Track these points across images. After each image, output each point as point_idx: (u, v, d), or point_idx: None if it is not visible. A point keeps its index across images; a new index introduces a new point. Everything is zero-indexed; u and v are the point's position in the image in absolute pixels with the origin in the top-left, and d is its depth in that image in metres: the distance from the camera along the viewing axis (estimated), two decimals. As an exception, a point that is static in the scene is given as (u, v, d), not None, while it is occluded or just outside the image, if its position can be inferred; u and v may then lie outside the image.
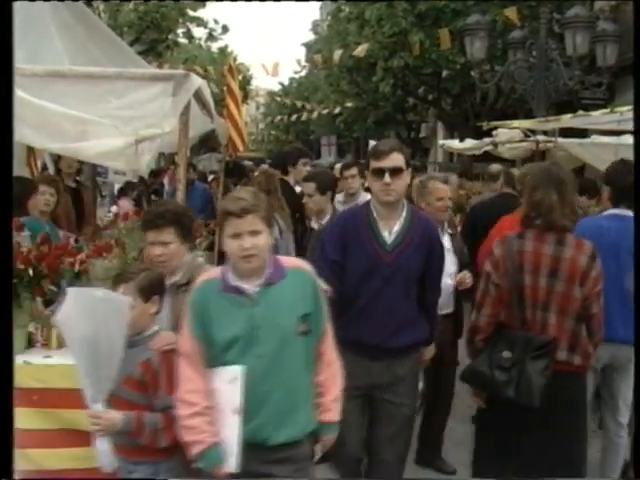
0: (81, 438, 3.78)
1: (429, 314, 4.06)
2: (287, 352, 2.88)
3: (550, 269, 3.58)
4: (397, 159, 3.75)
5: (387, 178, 3.70)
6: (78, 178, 7.52)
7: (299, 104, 28.16)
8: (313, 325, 2.96)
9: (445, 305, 4.93)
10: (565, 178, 3.73)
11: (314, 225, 5.93)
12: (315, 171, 6.76)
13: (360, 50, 15.54)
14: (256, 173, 6.44)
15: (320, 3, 40.65)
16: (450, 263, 4.79)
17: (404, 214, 3.86)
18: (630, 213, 4.28)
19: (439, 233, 4.07)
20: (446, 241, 4.89)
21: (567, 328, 3.58)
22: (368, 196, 5.95)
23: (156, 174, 14.00)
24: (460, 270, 5.11)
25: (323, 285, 3.18)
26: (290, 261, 3.15)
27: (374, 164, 3.80)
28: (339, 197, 7.03)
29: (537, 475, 3.52)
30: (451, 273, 4.93)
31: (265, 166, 10.65)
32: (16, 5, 4.76)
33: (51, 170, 7.33)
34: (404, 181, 3.79)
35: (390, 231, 3.84)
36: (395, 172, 3.72)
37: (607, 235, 4.27)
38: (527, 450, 3.63)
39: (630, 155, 4.58)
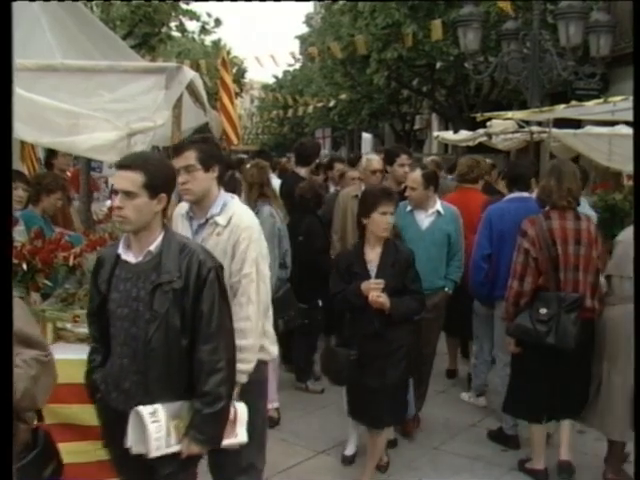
0: (78, 432, 3.80)
1: None
2: None
3: (575, 239, 4.71)
4: None
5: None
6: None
7: (292, 99, 28.17)
8: None
9: None
10: (564, 169, 4.84)
11: None
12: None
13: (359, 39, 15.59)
14: (247, 166, 6.41)
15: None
16: None
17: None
18: (526, 194, 5.54)
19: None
20: None
21: (590, 282, 4.75)
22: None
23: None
24: None
25: None
26: None
27: None
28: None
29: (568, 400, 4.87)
30: None
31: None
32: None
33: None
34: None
35: None
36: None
37: (509, 213, 5.39)
38: (559, 381, 4.81)
39: (623, 144, 4.87)
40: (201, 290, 2.96)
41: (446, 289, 5.70)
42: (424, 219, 5.63)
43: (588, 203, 6.76)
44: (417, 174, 5.57)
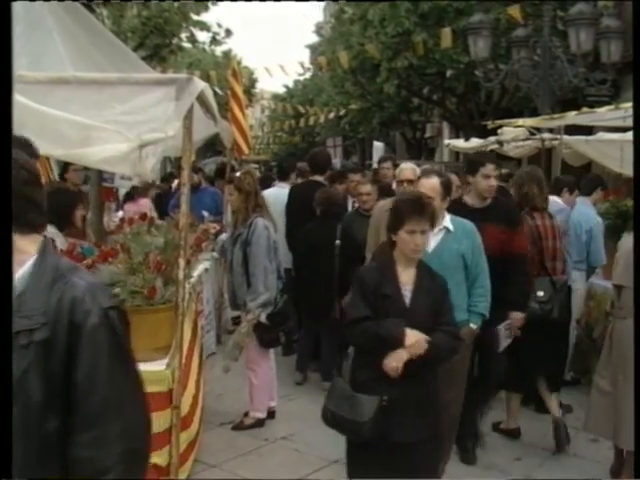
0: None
1: None
2: None
3: (552, 234, 5.70)
4: None
5: None
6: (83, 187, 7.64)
7: (303, 109, 28.24)
8: None
9: None
10: (541, 177, 5.88)
11: None
12: None
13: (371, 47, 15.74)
14: (237, 174, 6.38)
15: (323, 5, 40.70)
16: None
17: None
18: None
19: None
20: None
21: (560, 268, 5.77)
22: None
23: (163, 179, 14.05)
24: None
25: None
26: None
27: None
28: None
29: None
30: None
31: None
32: (19, 12, 4.79)
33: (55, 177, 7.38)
34: None
35: None
36: None
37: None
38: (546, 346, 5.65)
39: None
40: (75, 345, 1.84)
41: (471, 324, 4.72)
42: (431, 238, 4.47)
43: (597, 210, 6.89)
44: (435, 181, 4.72)
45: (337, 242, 6.90)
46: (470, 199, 5.39)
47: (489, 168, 5.26)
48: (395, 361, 3.64)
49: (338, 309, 6.83)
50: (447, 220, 4.74)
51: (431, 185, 4.70)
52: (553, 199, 6.62)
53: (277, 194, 7.83)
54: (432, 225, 3.98)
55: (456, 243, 4.71)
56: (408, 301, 3.83)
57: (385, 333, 3.69)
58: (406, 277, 3.88)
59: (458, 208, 5.16)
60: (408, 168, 6.21)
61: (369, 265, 4.11)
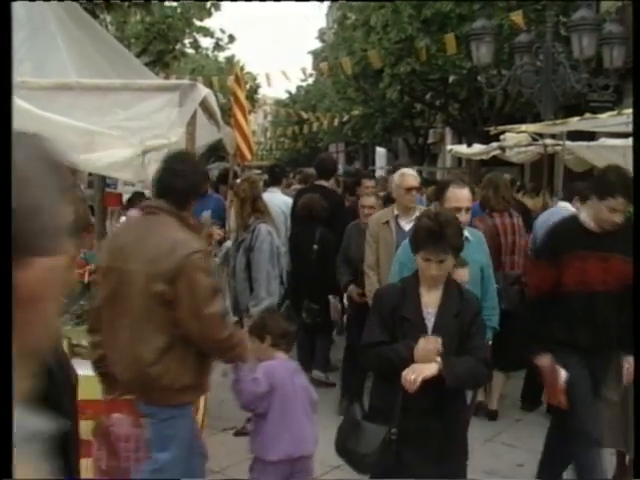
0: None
1: None
2: None
3: (511, 231, 6.37)
4: None
5: None
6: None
7: (305, 115, 28.25)
8: None
9: None
10: (499, 182, 6.62)
11: None
12: None
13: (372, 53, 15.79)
14: (238, 180, 6.45)
15: (326, 10, 40.80)
16: None
17: None
18: None
19: None
20: None
21: (522, 263, 6.35)
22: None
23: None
24: None
25: None
26: None
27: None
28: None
29: None
30: None
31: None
32: (22, 17, 4.80)
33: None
34: None
35: None
36: None
37: None
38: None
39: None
40: None
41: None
42: None
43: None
44: (467, 191, 4.51)
45: (315, 246, 7.17)
46: (588, 220, 4.44)
47: (619, 202, 4.22)
48: (414, 373, 3.25)
49: (304, 310, 7.05)
50: (466, 229, 4.25)
51: (466, 196, 4.51)
52: (563, 204, 6.72)
53: (268, 198, 7.83)
54: (457, 253, 3.54)
55: (476, 253, 4.41)
56: (431, 325, 3.46)
57: (394, 356, 3.37)
58: (430, 298, 3.51)
59: (572, 229, 4.50)
60: (412, 175, 5.83)
61: (392, 284, 3.81)
